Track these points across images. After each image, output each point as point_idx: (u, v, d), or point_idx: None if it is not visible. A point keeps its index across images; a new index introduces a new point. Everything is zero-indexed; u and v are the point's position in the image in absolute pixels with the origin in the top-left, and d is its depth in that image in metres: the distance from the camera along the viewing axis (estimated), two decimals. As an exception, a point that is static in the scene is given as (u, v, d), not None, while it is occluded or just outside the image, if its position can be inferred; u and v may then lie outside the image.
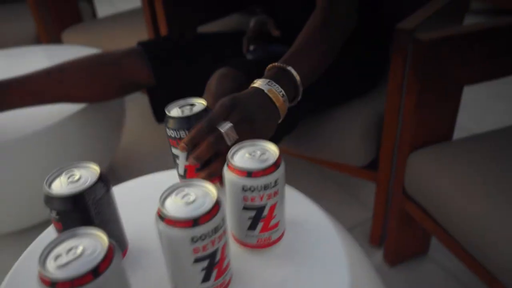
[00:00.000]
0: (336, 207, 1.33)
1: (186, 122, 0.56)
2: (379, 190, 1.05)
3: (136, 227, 0.54)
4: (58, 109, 1.07)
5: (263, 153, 0.47)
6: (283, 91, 0.65)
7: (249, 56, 1.05)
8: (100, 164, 0.47)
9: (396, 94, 0.89)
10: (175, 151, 0.58)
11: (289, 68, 0.68)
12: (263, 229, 0.48)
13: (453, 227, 0.79)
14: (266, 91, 0.63)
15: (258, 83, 0.64)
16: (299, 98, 0.70)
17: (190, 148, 0.55)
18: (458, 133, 0.97)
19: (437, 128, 0.90)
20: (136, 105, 2.07)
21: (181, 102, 0.59)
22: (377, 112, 1.01)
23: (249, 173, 0.44)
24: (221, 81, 0.79)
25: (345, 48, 1.03)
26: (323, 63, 0.77)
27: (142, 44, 1.04)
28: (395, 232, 1.03)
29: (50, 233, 0.58)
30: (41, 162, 1.08)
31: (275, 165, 0.45)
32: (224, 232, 0.41)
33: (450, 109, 0.88)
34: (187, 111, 0.57)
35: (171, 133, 0.56)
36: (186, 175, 0.59)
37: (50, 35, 1.89)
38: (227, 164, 0.46)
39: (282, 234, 0.51)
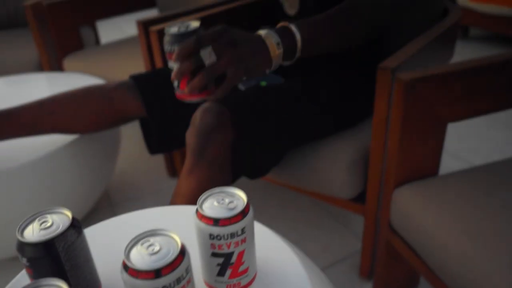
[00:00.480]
0: (327, 236, 1.33)
1: (180, 38, 0.66)
2: (367, 223, 1.06)
3: (110, 267, 0.55)
4: (51, 139, 1.09)
5: (231, 201, 0.48)
6: (280, 42, 0.70)
7: (241, 87, 1.07)
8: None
9: (381, 130, 0.90)
10: (170, 64, 0.69)
11: (294, 28, 0.73)
12: (232, 275, 0.49)
13: (436, 266, 0.79)
14: (263, 36, 0.70)
15: (260, 31, 0.71)
16: (296, 57, 0.75)
17: (178, 60, 0.65)
18: (456, 164, 0.97)
19: (422, 164, 0.91)
20: (135, 126, 2.09)
21: (179, 23, 0.70)
22: (365, 145, 1.02)
23: (216, 222, 0.45)
24: (205, 116, 0.81)
25: (340, 74, 1.04)
26: (332, 42, 0.81)
27: (133, 77, 1.07)
28: (383, 265, 1.03)
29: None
30: (33, 191, 1.10)
31: (242, 214, 0.46)
32: (189, 281, 0.42)
33: (434, 145, 0.89)
34: (182, 29, 0.68)
35: (167, 47, 0.68)
36: (179, 87, 0.69)
37: (52, 62, 1.94)
38: (196, 211, 0.47)
39: (253, 278, 0.52)
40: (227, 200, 0.48)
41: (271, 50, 0.70)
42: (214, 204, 0.48)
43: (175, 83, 0.70)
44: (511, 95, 0.89)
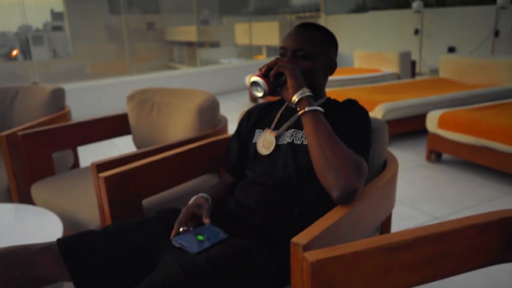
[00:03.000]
0: None
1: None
2: None
3: None
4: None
5: None
6: (303, 97, 1.06)
7: (175, 243, 1.07)
8: None
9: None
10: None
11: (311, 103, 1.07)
12: None
13: None
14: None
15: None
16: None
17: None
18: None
19: None
20: None
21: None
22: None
23: None
24: None
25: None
26: (321, 146, 1.01)
27: (60, 240, 1.05)
28: None
29: None
30: None
31: None
32: None
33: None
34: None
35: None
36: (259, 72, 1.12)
37: (20, 187, 1.98)
38: None
39: None
40: None
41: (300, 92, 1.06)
42: None
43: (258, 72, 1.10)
44: (430, 270, 0.88)
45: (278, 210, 1.15)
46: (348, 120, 1.14)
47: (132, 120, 2.20)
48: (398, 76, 5.54)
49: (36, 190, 1.88)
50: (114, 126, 2.24)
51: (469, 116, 2.95)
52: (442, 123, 3.04)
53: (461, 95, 3.94)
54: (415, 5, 7.17)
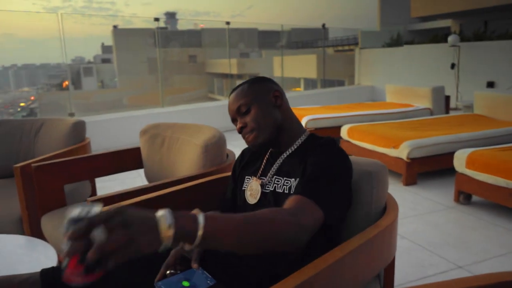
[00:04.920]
0: None
1: (76, 222, 0.68)
2: None
3: None
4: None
5: None
6: (172, 224, 0.71)
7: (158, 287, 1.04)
8: None
9: None
10: (63, 245, 0.68)
11: (201, 217, 0.76)
12: None
13: None
14: (157, 217, 0.71)
15: (158, 212, 0.73)
16: (196, 243, 0.75)
17: (70, 240, 0.67)
18: None
19: None
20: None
21: (81, 207, 0.71)
22: None
23: None
24: None
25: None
26: (248, 241, 0.84)
27: (43, 271, 1.06)
28: None
29: None
30: None
31: None
32: None
33: None
34: (82, 213, 0.69)
35: (64, 230, 0.69)
36: (67, 267, 0.67)
37: (32, 218, 2.02)
38: None
39: None
40: None
41: (162, 231, 0.71)
42: None
43: (64, 263, 0.68)
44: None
45: (265, 260, 1.10)
46: (316, 160, 1.08)
47: (144, 154, 2.22)
48: (430, 112, 5.36)
49: (45, 221, 1.91)
50: (127, 159, 2.27)
51: (499, 156, 2.78)
52: (470, 163, 2.87)
53: (493, 132, 3.74)
54: (450, 39, 7.02)
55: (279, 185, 1.14)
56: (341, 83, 11.09)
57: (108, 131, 5.17)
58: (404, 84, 6.34)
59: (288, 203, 1.00)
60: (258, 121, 1.15)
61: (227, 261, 1.14)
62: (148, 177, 2.23)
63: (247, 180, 1.24)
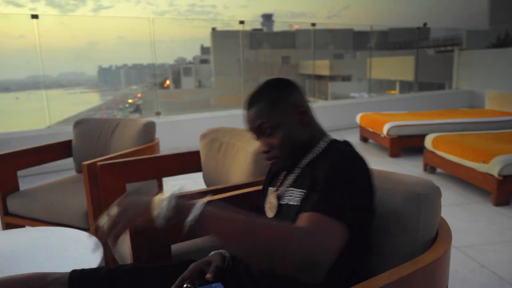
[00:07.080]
0: None
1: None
2: None
3: None
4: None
5: None
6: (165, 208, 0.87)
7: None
8: None
9: None
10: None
11: (200, 203, 0.88)
12: None
13: None
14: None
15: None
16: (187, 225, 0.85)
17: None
18: None
19: None
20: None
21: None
22: None
23: None
24: None
25: None
26: (248, 244, 0.84)
27: (73, 273, 1.10)
28: None
29: None
30: None
31: None
32: None
33: None
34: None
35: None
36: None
37: (96, 213, 2.14)
38: None
39: None
40: None
41: (155, 203, 0.89)
42: None
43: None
44: None
45: (282, 279, 1.01)
46: (327, 170, 0.96)
47: (202, 158, 2.24)
48: (538, 122, 4.70)
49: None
50: (187, 162, 2.30)
51: None
52: None
53: None
54: None
55: (292, 198, 1.05)
56: (441, 86, 10.32)
57: (196, 130, 5.38)
58: (508, 90, 5.64)
59: (302, 221, 0.90)
60: (284, 147, 1.06)
61: (247, 284, 1.08)
62: (206, 181, 2.24)
63: (269, 193, 1.17)
